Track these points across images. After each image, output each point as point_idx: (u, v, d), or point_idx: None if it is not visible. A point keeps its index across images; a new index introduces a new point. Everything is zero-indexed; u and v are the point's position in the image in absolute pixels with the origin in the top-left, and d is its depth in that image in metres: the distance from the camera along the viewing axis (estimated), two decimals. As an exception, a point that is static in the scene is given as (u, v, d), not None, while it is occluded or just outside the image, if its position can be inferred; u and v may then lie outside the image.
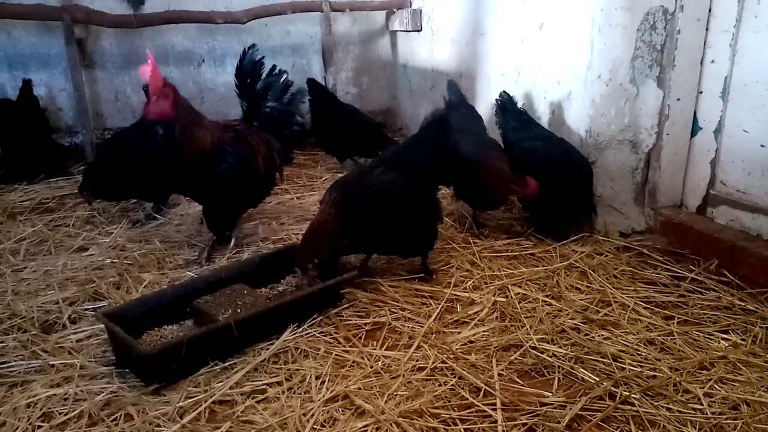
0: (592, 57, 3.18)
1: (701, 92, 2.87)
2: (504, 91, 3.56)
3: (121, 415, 1.85)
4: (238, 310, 2.21)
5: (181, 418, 1.84)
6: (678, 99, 2.86)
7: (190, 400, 1.92)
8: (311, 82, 4.33)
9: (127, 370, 2.06)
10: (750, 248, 2.56)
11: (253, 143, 2.86)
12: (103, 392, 1.94)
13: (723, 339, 2.16)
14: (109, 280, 2.69)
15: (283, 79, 2.97)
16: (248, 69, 2.90)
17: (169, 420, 1.83)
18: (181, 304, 2.33)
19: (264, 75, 2.94)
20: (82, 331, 2.29)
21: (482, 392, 1.92)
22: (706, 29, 2.79)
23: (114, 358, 2.12)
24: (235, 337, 2.10)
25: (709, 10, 2.76)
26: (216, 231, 2.97)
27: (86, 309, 2.46)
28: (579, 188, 3.05)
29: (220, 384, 1.98)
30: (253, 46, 2.92)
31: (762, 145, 2.64)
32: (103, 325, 2.19)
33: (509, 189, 2.98)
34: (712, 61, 2.80)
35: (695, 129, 2.92)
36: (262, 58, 2.91)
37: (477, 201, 3.24)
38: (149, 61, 2.53)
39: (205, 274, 2.52)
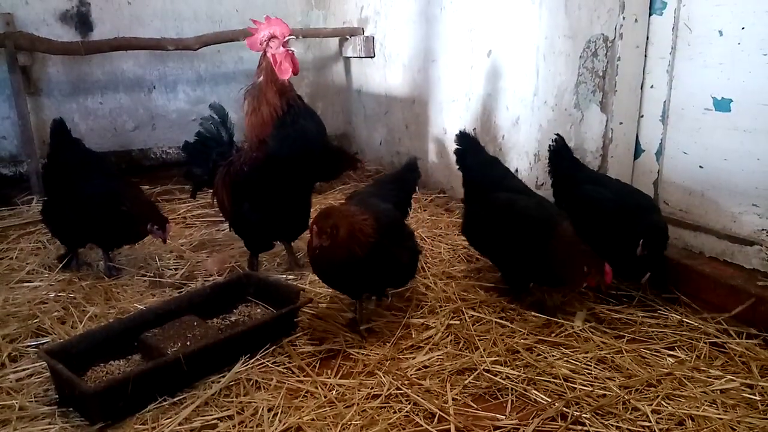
0: (538, 83, 3.27)
1: (642, 116, 2.98)
2: (558, 135, 3.00)
3: (62, 457, 1.77)
4: (188, 343, 2.15)
5: (127, 457, 1.78)
6: (620, 123, 2.96)
7: (137, 438, 1.85)
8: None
9: (71, 409, 1.98)
10: (693, 265, 2.65)
11: None
12: (43, 434, 1.84)
13: (669, 356, 2.21)
14: (53, 315, 2.58)
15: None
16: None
17: (114, 460, 1.77)
18: (129, 337, 2.26)
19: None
20: (23, 370, 2.18)
21: (437, 418, 1.91)
22: (645, 56, 2.91)
23: (57, 396, 2.03)
24: (184, 371, 2.04)
25: (647, 38, 2.88)
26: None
27: (28, 346, 2.35)
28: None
29: (169, 420, 1.92)
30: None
31: (700, 166, 2.75)
32: (45, 363, 2.10)
33: (581, 271, 2.37)
34: (652, 86, 2.91)
35: (638, 151, 3.02)
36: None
37: (538, 275, 2.58)
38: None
39: (154, 306, 2.45)
